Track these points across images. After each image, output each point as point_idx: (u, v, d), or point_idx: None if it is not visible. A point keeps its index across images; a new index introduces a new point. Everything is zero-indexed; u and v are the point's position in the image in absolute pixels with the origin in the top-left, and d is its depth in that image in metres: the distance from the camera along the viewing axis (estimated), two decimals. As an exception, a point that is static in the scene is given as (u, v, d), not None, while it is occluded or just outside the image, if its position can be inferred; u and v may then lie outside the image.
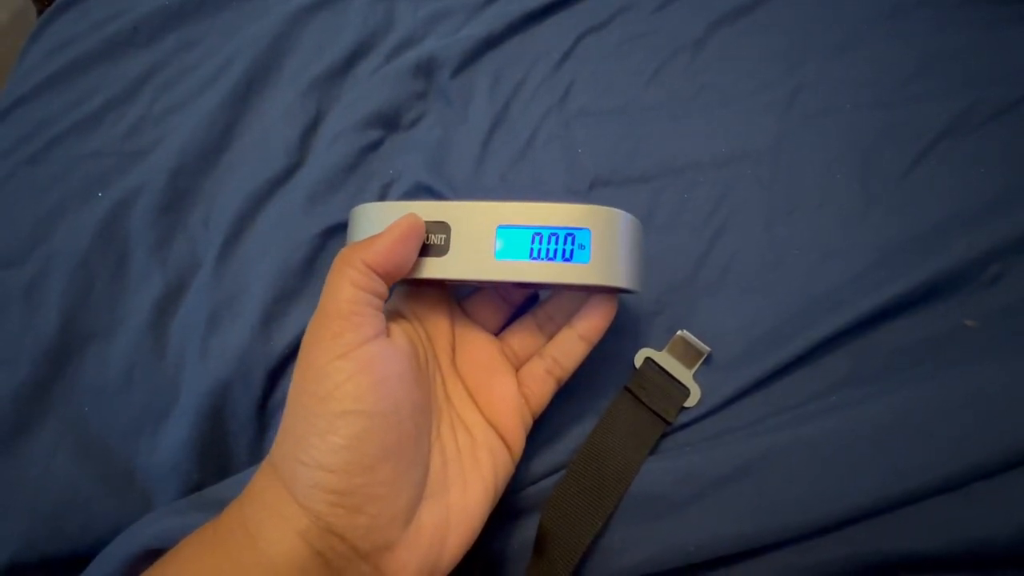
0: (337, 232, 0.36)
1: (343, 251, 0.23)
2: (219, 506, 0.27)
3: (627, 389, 0.29)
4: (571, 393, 0.28)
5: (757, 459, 0.27)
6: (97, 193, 0.36)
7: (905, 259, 0.35)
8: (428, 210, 0.24)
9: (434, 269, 0.24)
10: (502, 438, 0.25)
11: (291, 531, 0.20)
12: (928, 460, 0.26)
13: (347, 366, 0.20)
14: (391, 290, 0.24)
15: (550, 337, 0.28)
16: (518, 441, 0.26)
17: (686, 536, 0.26)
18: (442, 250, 0.24)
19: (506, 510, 0.27)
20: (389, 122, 0.40)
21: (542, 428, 0.29)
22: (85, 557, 0.28)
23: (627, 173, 0.39)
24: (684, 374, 0.30)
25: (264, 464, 0.22)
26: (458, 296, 0.30)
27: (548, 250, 0.23)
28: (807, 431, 0.28)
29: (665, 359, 0.31)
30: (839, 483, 0.26)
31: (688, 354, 0.31)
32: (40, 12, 1.11)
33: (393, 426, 0.21)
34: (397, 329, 0.24)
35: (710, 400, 0.30)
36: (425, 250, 0.24)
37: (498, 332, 0.29)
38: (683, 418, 0.30)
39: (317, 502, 0.19)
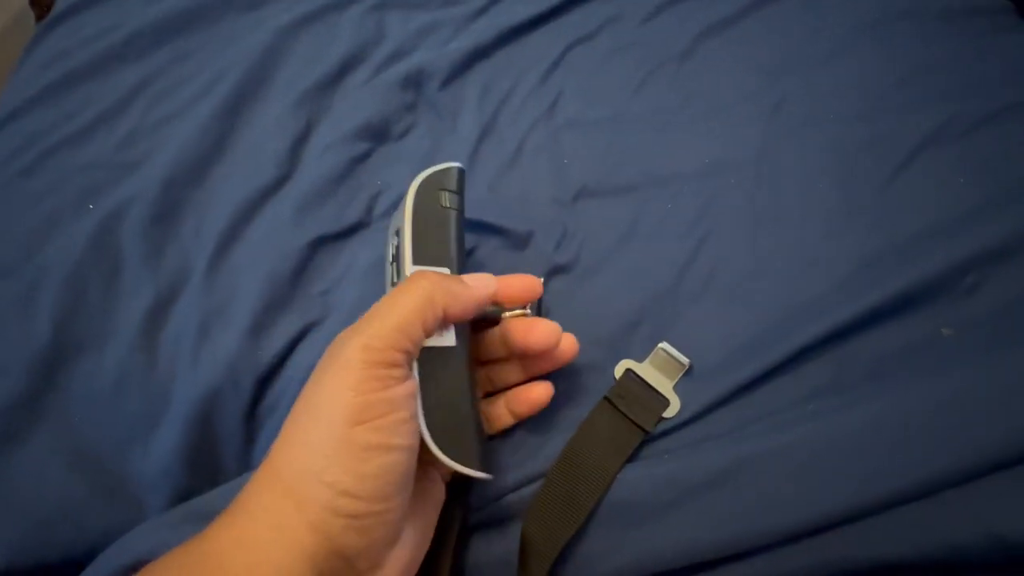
0: (326, 242, 0.36)
1: (369, 330, 0.21)
2: (211, 518, 0.27)
3: (607, 399, 0.30)
4: (552, 402, 0.29)
5: (734, 466, 0.27)
6: (89, 205, 0.37)
7: (885, 268, 0.35)
8: None
9: None
10: None
11: (300, 556, 0.19)
12: (901, 467, 0.27)
13: (384, 404, 0.20)
14: None
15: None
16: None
17: (664, 542, 0.26)
18: None
19: (485, 519, 0.28)
20: (378, 133, 0.41)
21: (523, 436, 0.30)
22: (77, 565, 0.28)
23: (613, 183, 0.40)
24: (664, 385, 0.31)
25: (263, 478, 0.21)
26: None
27: None
28: (783, 439, 0.28)
29: (646, 370, 0.31)
30: (814, 490, 0.27)
31: (668, 366, 0.32)
32: (38, 18, 1.12)
33: (413, 457, 0.21)
34: None
35: (690, 408, 0.30)
36: None
37: None
38: (663, 426, 0.30)
39: (332, 525, 0.19)
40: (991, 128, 0.41)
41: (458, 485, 0.27)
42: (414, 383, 0.22)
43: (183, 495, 0.30)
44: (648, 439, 0.30)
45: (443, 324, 0.24)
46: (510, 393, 0.29)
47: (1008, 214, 0.36)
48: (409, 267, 0.27)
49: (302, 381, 0.31)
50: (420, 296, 0.22)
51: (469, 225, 0.37)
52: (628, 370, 0.31)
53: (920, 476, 0.27)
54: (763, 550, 0.26)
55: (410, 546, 0.22)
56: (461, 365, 0.25)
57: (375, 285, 0.34)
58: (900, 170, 0.40)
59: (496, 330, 0.29)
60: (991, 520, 0.26)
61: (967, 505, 0.27)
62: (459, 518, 0.27)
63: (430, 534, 0.24)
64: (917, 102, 0.43)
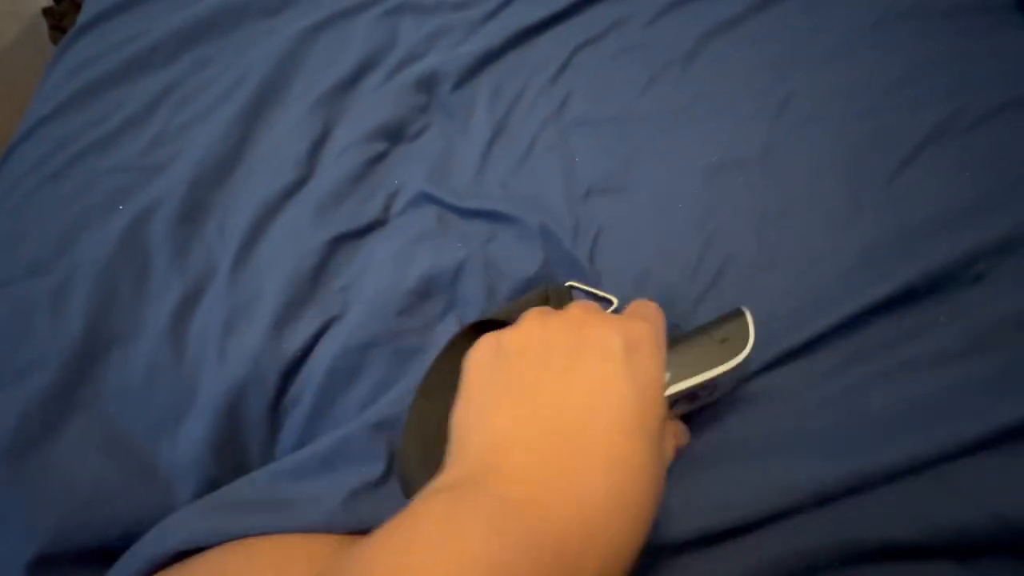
0: (345, 239, 0.37)
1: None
2: (240, 507, 0.29)
3: None
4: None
5: (747, 441, 0.28)
6: (118, 206, 0.38)
7: (891, 261, 0.36)
8: None
9: None
10: None
11: None
12: (898, 443, 0.28)
13: None
14: None
15: None
16: None
17: (664, 517, 0.27)
18: None
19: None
20: (393, 135, 0.42)
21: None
22: (112, 549, 0.30)
23: (622, 181, 0.41)
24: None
25: None
26: None
27: None
28: (791, 422, 0.29)
29: None
30: (818, 467, 0.28)
31: None
32: (51, 27, 1.14)
33: None
34: None
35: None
36: None
37: None
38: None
39: None
40: (994, 123, 0.42)
41: None
42: None
43: (211, 483, 0.32)
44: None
45: None
46: None
47: (1011, 207, 0.37)
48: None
49: (324, 373, 0.33)
50: None
51: (485, 216, 0.38)
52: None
53: (915, 451, 0.27)
54: (772, 527, 0.27)
55: None
56: None
57: (391, 279, 0.35)
58: (905, 165, 0.41)
59: None
60: (993, 500, 0.27)
61: (970, 485, 0.27)
62: None
63: None
64: (921, 98, 0.44)
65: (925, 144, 0.41)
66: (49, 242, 0.37)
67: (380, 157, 0.41)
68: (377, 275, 0.35)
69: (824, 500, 0.27)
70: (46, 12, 1.20)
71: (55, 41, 1.18)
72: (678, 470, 0.28)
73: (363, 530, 0.28)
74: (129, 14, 0.48)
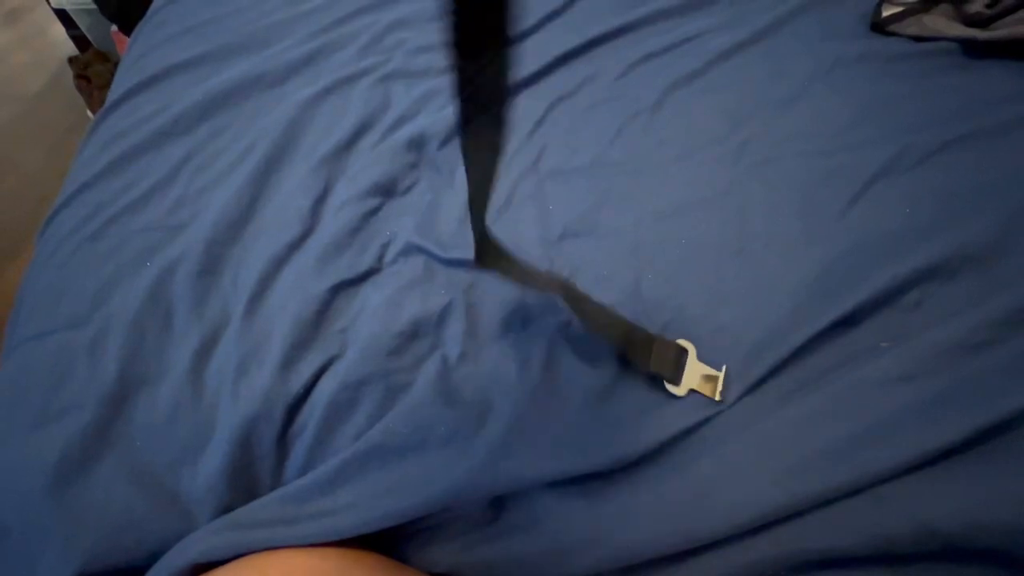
0: (343, 287, 0.42)
1: None
2: (252, 525, 0.32)
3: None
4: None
5: (690, 470, 0.32)
6: (146, 263, 0.43)
7: (839, 290, 0.39)
8: None
9: None
10: None
11: None
12: (843, 469, 0.31)
13: None
14: None
15: None
16: None
17: (633, 535, 0.31)
18: None
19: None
20: (387, 190, 0.47)
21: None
22: (140, 568, 0.34)
23: (592, 224, 0.45)
24: None
25: None
26: None
27: None
28: (740, 442, 0.32)
29: None
30: (761, 487, 0.31)
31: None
32: (76, 75, 1.22)
33: None
34: None
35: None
36: None
37: None
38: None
39: None
40: (937, 160, 0.45)
41: None
42: None
43: (226, 508, 0.35)
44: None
45: None
46: None
47: (946, 240, 0.40)
48: None
49: (325, 408, 0.37)
50: None
51: (466, 264, 0.42)
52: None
53: (858, 477, 0.31)
54: (719, 546, 0.30)
55: None
56: None
57: (383, 323, 0.39)
58: (855, 200, 0.44)
59: None
60: (922, 513, 0.30)
61: (903, 501, 0.30)
62: None
63: None
64: (870, 138, 0.47)
65: (873, 181, 0.45)
66: (87, 297, 0.42)
67: (375, 211, 0.46)
68: (371, 319, 0.40)
69: (770, 523, 0.30)
70: (71, 61, 1.29)
71: (80, 88, 1.26)
72: (631, 491, 0.31)
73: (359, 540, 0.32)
74: (154, 90, 0.54)
